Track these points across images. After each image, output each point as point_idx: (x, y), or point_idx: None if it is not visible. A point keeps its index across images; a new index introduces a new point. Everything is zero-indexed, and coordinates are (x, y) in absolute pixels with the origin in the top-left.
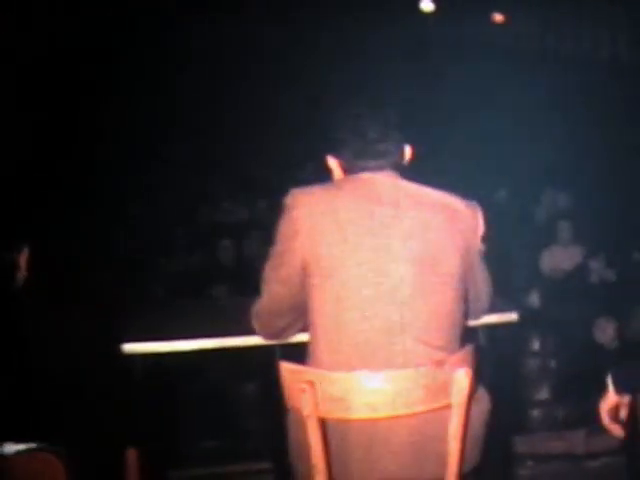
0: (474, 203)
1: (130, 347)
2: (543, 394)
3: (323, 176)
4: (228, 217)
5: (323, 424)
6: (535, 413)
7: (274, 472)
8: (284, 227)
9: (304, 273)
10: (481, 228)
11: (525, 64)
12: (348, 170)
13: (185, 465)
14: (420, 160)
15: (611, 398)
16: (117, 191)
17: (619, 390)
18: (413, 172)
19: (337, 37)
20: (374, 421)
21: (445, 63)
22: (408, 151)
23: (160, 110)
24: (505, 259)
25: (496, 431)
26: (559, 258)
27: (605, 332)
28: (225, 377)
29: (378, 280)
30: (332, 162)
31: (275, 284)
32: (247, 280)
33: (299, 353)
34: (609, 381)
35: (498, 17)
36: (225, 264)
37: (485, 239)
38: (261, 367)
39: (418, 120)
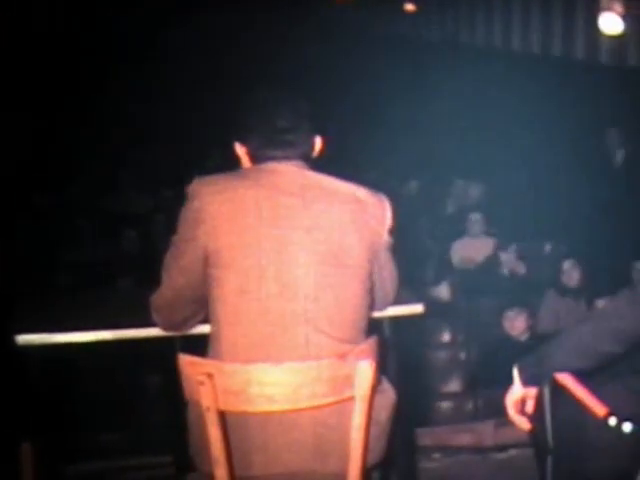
0: (382, 195)
1: (25, 339)
2: (453, 386)
3: (231, 164)
4: (133, 207)
5: (223, 417)
6: (444, 405)
7: (175, 465)
8: (186, 216)
9: (205, 263)
10: (389, 221)
11: (437, 54)
12: (255, 159)
13: (84, 459)
14: (328, 151)
15: (516, 390)
16: (21, 180)
17: (525, 382)
18: (322, 163)
19: (244, 22)
20: (276, 414)
21: (356, 52)
22: (319, 142)
23: (64, 98)
24: (416, 251)
25: (402, 424)
26: (470, 250)
27: (515, 324)
28: (127, 369)
29: (281, 272)
30: (239, 150)
31: (175, 274)
32: (153, 271)
33: (201, 345)
34: (514, 373)
35: (409, 6)
36: (130, 254)
37: (393, 232)
38: (162, 359)
39: (326, 110)
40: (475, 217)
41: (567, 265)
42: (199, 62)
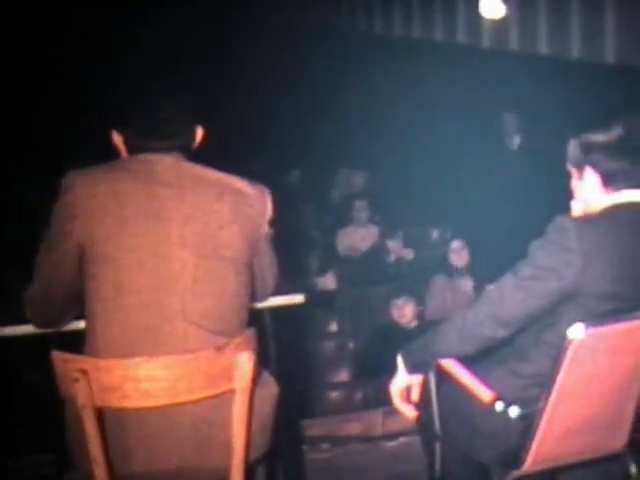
0: (262, 186)
1: None
2: (341, 376)
3: (110, 155)
4: (11, 199)
5: (101, 414)
6: (334, 395)
7: (57, 464)
8: (59, 210)
9: (80, 258)
10: (269, 212)
11: (322, 42)
12: (132, 149)
13: None
14: (210, 142)
15: (401, 378)
16: None
17: (410, 370)
18: (203, 154)
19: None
20: (155, 409)
21: (237, 40)
22: (199, 133)
23: None
24: (301, 241)
25: (287, 415)
26: (355, 238)
27: (403, 312)
28: (7, 366)
29: (158, 265)
30: (117, 139)
31: (47, 269)
32: (31, 266)
33: (77, 341)
34: (399, 361)
35: None
36: (8, 249)
37: (273, 223)
38: (39, 356)
39: (208, 101)
40: (360, 205)
41: (455, 245)
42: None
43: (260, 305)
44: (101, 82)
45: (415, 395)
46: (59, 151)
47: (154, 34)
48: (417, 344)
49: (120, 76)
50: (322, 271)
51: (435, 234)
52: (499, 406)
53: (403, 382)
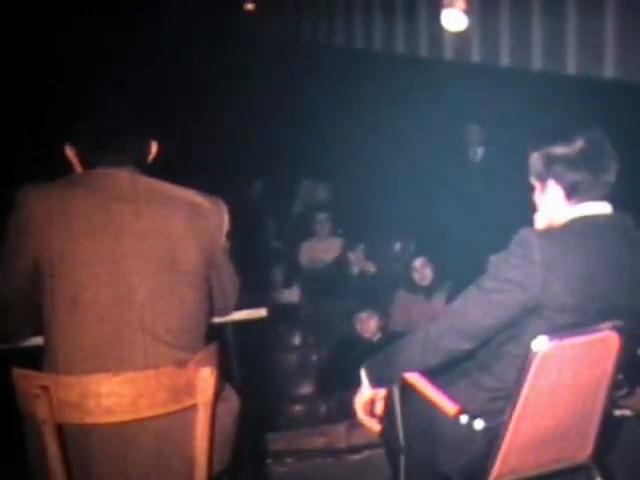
0: (219, 199)
1: None
2: (305, 389)
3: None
4: None
5: (61, 430)
6: (297, 409)
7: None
8: (14, 225)
9: (36, 273)
10: (226, 224)
11: (280, 52)
12: (86, 163)
13: None
14: (168, 155)
15: (365, 392)
16: None
17: (374, 383)
18: (160, 167)
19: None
20: (117, 425)
21: (199, 51)
22: (154, 147)
23: None
24: (263, 253)
25: (250, 429)
26: (318, 251)
27: (367, 325)
28: None
29: (114, 280)
30: (70, 153)
31: (2, 284)
32: None
33: (37, 357)
34: (363, 375)
35: (249, 6)
36: None
37: (230, 236)
38: None
39: (166, 113)
40: (322, 217)
41: (418, 263)
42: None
43: (222, 319)
44: (58, 95)
45: (379, 408)
46: (13, 164)
47: (119, 40)
48: (380, 357)
49: (71, 89)
50: (285, 284)
51: (398, 246)
52: (464, 419)
53: (367, 395)
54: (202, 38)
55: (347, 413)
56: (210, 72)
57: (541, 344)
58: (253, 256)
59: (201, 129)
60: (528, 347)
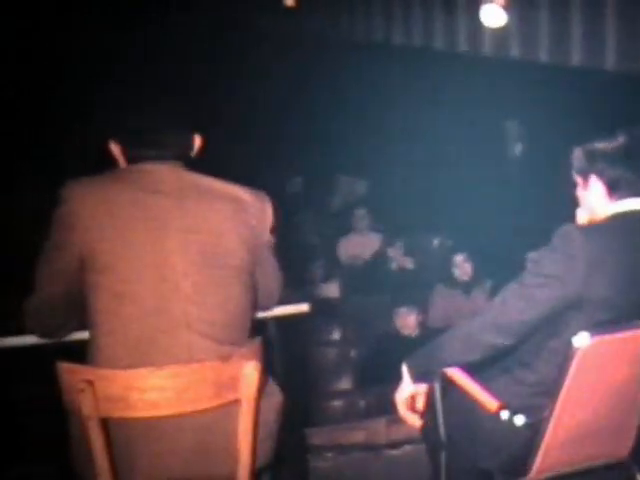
0: (263, 194)
1: None
2: (344, 384)
3: (107, 165)
4: (5, 210)
5: (105, 424)
6: (336, 404)
7: (58, 476)
8: (58, 220)
9: (81, 268)
10: (270, 219)
11: (318, 49)
12: (130, 159)
13: None
14: (211, 149)
15: (406, 388)
16: None
17: (415, 379)
18: (202, 162)
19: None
20: (160, 419)
21: (238, 49)
22: (197, 142)
23: None
24: (302, 249)
25: (292, 424)
26: (357, 246)
27: (406, 320)
28: (4, 378)
29: (159, 274)
30: (114, 149)
31: (47, 280)
32: (28, 276)
33: (80, 352)
34: (404, 370)
35: (289, 2)
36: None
37: (275, 231)
38: (42, 367)
39: (208, 107)
40: (361, 213)
41: (459, 259)
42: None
43: (265, 314)
44: (97, 89)
45: (420, 404)
46: (58, 161)
47: (152, 39)
48: (422, 353)
49: (115, 84)
50: (325, 279)
51: (436, 242)
52: (504, 415)
53: (408, 391)
54: (235, 34)
55: (386, 408)
56: (247, 68)
57: (582, 340)
58: (293, 252)
59: (241, 125)
60: (569, 343)
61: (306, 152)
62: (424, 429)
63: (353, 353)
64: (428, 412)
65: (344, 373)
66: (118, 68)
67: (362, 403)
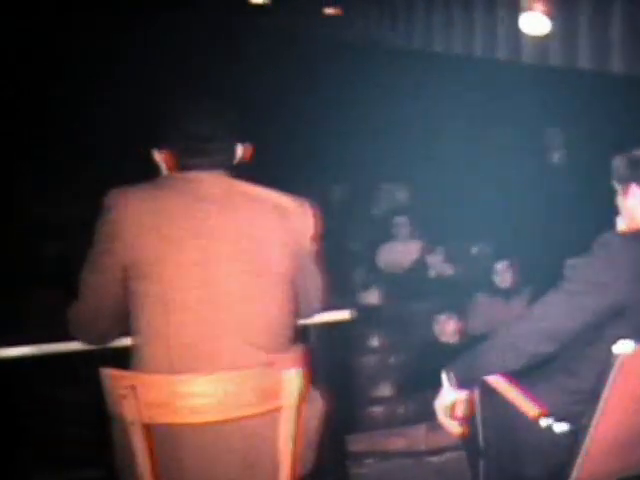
0: (306, 202)
1: None
2: (384, 391)
3: (151, 173)
4: (53, 217)
5: (149, 430)
6: (376, 410)
7: None
8: (103, 229)
9: (125, 276)
10: (313, 228)
11: (358, 56)
12: (175, 167)
13: (4, 477)
14: (252, 158)
15: (446, 395)
16: None
17: (455, 386)
18: (245, 170)
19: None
20: (203, 426)
21: (278, 57)
22: (242, 150)
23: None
24: (343, 256)
25: (333, 431)
26: (397, 254)
27: (445, 327)
28: (48, 383)
29: (204, 281)
30: (159, 157)
31: (93, 287)
32: (73, 283)
33: (124, 358)
34: (444, 377)
35: (330, 10)
36: (50, 267)
37: (317, 239)
38: (85, 372)
39: (250, 116)
40: (401, 220)
41: (501, 266)
42: (116, 74)
43: (307, 321)
44: (141, 96)
45: (460, 411)
46: (103, 168)
47: (192, 48)
48: (462, 360)
49: (158, 91)
50: (365, 287)
51: (476, 249)
52: (544, 421)
53: (448, 398)
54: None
55: (426, 415)
56: (290, 76)
57: (625, 347)
58: (334, 259)
59: (283, 133)
60: (611, 350)
61: (347, 159)
62: (464, 436)
63: (393, 360)
64: (468, 419)
65: (384, 380)
66: (167, 76)
67: (402, 410)
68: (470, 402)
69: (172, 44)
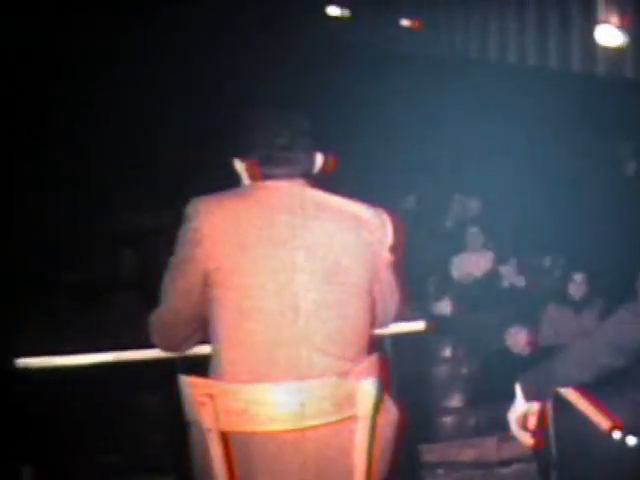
0: (382, 212)
1: (24, 362)
2: (455, 401)
3: (228, 182)
4: (132, 226)
5: (226, 437)
6: (447, 421)
7: None
8: (184, 237)
9: (205, 284)
10: (389, 238)
11: (435, 69)
12: (255, 176)
13: None
14: (333, 168)
15: (519, 406)
16: (19, 198)
17: (527, 398)
18: (320, 180)
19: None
20: (279, 434)
21: (354, 70)
22: (320, 159)
23: (56, 113)
24: (415, 266)
25: (405, 441)
26: (470, 265)
27: (517, 338)
28: (127, 389)
29: (281, 290)
30: (239, 166)
31: (174, 295)
32: (152, 290)
33: (202, 365)
34: (517, 389)
35: (407, 23)
36: (128, 274)
37: (394, 249)
38: (163, 379)
39: (324, 127)
40: (474, 231)
41: (575, 278)
42: (192, 85)
43: (381, 331)
44: (218, 107)
45: (532, 423)
46: (178, 179)
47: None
48: (535, 372)
49: (236, 101)
50: (437, 297)
51: (548, 261)
52: (617, 435)
53: (521, 410)
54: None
55: (496, 426)
56: (365, 87)
57: None
58: (407, 269)
59: (358, 143)
60: None
61: (421, 170)
62: (536, 448)
63: (464, 370)
64: (540, 431)
65: (455, 390)
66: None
67: (472, 420)
68: (543, 414)
69: (255, 58)
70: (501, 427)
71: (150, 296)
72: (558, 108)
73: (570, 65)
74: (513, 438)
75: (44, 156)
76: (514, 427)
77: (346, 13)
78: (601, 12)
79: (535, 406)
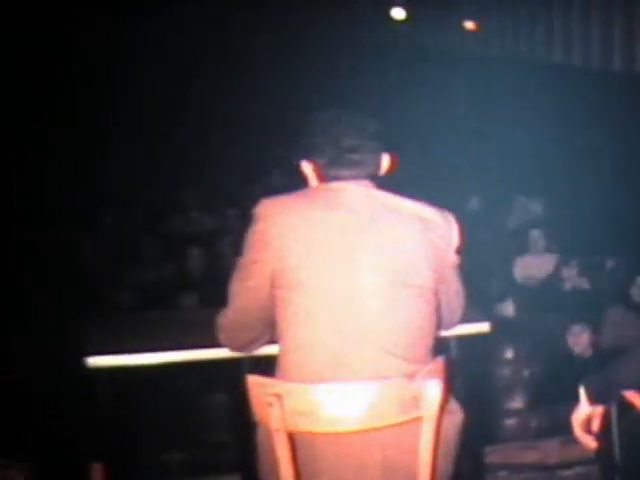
0: (449, 214)
1: (94, 361)
2: (517, 403)
3: (292, 183)
4: (197, 227)
5: (292, 438)
6: (509, 422)
7: None
8: (252, 238)
9: (272, 285)
10: (456, 240)
11: (488, 69)
12: (322, 178)
13: (152, 479)
14: (398, 169)
15: (583, 409)
16: (86, 203)
17: (591, 401)
18: (384, 181)
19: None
20: (344, 435)
21: (416, 71)
22: (386, 161)
23: (123, 122)
24: (479, 268)
25: (469, 443)
26: (532, 267)
27: (579, 340)
28: (193, 389)
29: (348, 292)
30: (307, 168)
31: (242, 296)
32: (217, 290)
33: (269, 365)
34: (581, 391)
35: (469, 24)
36: (195, 274)
37: (460, 251)
38: (230, 379)
39: (387, 128)
40: (536, 233)
41: (638, 281)
42: (259, 85)
43: (447, 333)
44: (282, 109)
45: (596, 425)
46: (240, 180)
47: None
48: (600, 375)
49: (302, 104)
50: (500, 298)
51: (611, 263)
52: None
53: (585, 412)
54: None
55: (558, 428)
56: (424, 89)
57: None
58: (470, 270)
59: (420, 145)
60: None
61: (484, 171)
62: (599, 451)
63: (526, 372)
64: (603, 434)
65: (517, 392)
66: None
67: (534, 422)
68: (606, 417)
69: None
70: (563, 429)
71: (216, 295)
72: (619, 110)
73: (632, 67)
74: (576, 440)
75: (118, 155)
76: (577, 430)
77: (409, 15)
78: None
79: (599, 409)
